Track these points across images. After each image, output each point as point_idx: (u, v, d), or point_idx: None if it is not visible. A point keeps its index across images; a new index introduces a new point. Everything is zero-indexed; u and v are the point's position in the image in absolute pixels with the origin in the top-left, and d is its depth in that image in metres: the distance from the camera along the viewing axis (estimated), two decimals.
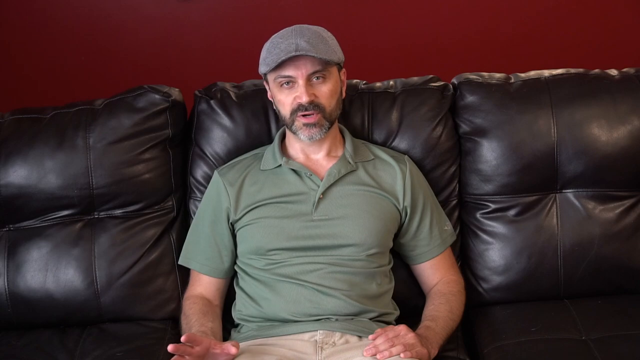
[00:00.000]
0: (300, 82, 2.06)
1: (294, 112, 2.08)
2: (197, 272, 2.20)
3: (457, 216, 2.33)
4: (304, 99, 2.05)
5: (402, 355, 1.90)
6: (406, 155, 2.24)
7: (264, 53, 2.11)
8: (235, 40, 3.60)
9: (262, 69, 2.10)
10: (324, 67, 2.06)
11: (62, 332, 2.24)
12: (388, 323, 2.11)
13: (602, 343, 2.06)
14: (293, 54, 2.03)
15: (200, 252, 2.19)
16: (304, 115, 2.07)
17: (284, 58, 2.03)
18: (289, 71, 2.06)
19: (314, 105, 2.06)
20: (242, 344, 2.03)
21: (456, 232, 2.31)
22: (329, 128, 2.11)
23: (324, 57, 2.04)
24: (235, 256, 2.18)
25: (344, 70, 2.16)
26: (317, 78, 2.07)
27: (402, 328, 1.97)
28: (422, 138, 2.29)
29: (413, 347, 1.93)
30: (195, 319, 2.10)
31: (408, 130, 2.30)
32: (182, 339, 1.85)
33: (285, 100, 2.09)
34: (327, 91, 2.08)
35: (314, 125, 2.08)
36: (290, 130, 2.12)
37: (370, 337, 1.96)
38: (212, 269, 2.18)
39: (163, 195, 2.32)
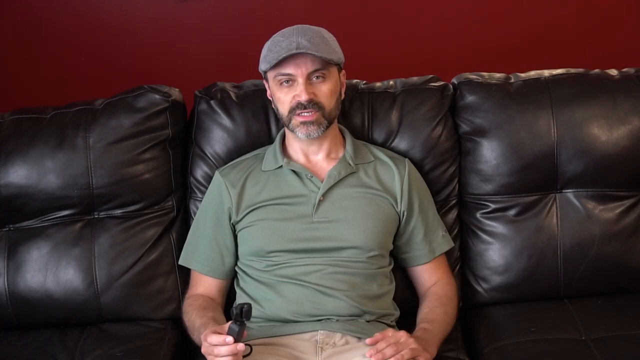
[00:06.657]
0: (300, 80, 2.06)
1: (292, 110, 2.08)
2: (198, 272, 2.20)
3: (457, 216, 2.33)
4: (303, 97, 2.05)
5: None
6: (407, 159, 2.24)
7: (264, 51, 2.11)
8: (235, 40, 3.59)
9: (263, 66, 2.10)
10: (324, 66, 2.06)
11: (62, 332, 2.24)
12: (388, 324, 2.10)
13: (602, 343, 2.06)
14: (294, 51, 2.03)
15: (201, 252, 2.19)
16: (302, 114, 2.07)
17: (284, 55, 2.03)
18: (289, 69, 2.06)
19: (313, 104, 2.06)
20: (242, 344, 2.04)
21: (456, 232, 2.31)
22: (327, 127, 2.11)
23: (324, 56, 2.04)
24: (236, 257, 2.18)
25: (343, 71, 2.16)
26: (317, 77, 2.07)
27: (403, 334, 1.93)
28: (422, 138, 2.29)
29: (419, 353, 1.91)
30: (195, 313, 2.10)
31: (408, 130, 2.30)
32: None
33: (284, 98, 2.09)
34: (326, 90, 2.08)
35: (311, 123, 2.08)
36: (288, 128, 2.12)
37: (368, 341, 1.92)
38: (213, 269, 2.18)
39: (163, 195, 2.32)
